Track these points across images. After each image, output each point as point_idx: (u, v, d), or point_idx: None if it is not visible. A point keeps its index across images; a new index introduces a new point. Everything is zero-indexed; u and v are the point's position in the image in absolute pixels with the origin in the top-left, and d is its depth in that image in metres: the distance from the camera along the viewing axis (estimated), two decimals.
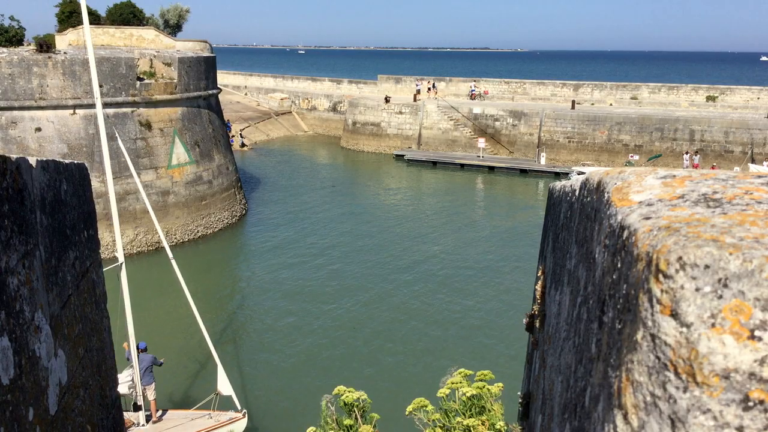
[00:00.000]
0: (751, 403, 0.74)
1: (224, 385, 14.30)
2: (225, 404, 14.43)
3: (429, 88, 53.32)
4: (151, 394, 13.91)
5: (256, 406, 15.47)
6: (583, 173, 1.60)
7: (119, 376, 13.33)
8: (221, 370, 14.41)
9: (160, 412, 14.27)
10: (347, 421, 4.57)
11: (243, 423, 14.11)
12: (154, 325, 19.39)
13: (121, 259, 13.88)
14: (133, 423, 13.61)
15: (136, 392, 13.61)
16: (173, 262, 15.54)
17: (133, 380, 13.64)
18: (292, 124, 62.81)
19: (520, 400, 2.63)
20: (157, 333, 18.58)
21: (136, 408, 13.74)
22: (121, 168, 26.07)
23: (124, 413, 13.19)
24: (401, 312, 20.97)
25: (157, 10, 39.50)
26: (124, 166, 26.25)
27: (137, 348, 13.68)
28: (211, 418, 13.96)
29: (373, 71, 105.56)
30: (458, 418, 4.22)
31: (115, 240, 14.22)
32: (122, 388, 13.49)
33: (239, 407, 14.34)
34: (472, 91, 53.20)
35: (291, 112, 64.60)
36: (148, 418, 13.90)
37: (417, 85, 53.56)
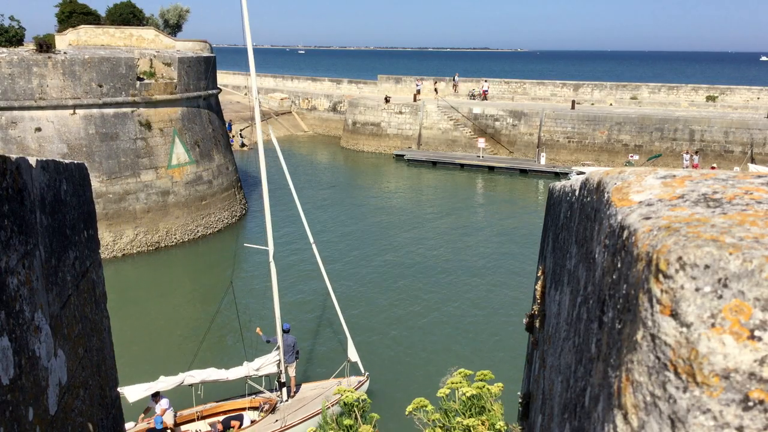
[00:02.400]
0: (751, 403, 0.74)
1: (352, 353, 15.65)
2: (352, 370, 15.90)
3: (435, 89, 53.19)
4: (292, 371, 15.17)
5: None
6: (583, 173, 1.60)
7: (266, 356, 14.32)
8: (350, 340, 15.71)
9: (294, 387, 15.52)
10: (347, 421, 4.57)
11: (366, 385, 15.30)
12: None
13: (270, 248, 15.23)
14: (278, 400, 14.90)
15: (281, 369, 14.86)
16: (314, 246, 16.56)
17: (279, 360, 14.85)
18: (292, 124, 62.82)
19: (520, 400, 2.63)
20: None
21: (281, 385, 15.00)
22: (120, 168, 26.08)
23: (268, 392, 15.10)
24: (400, 312, 20.97)
25: (157, 10, 39.51)
26: (124, 165, 26.28)
27: (282, 329, 14.98)
28: (340, 384, 14.83)
29: (373, 71, 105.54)
30: (458, 418, 4.22)
31: (266, 229, 15.53)
32: (271, 368, 14.89)
33: (363, 371, 15.69)
34: (484, 89, 52.67)
35: (291, 112, 64.61)
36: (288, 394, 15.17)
37: (417, 86, 53.45)
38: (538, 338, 2.25)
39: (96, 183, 24.96)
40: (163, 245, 26.82)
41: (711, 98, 48.42)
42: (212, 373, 14.14)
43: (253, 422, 14.09)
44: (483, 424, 3.96)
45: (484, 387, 4.26)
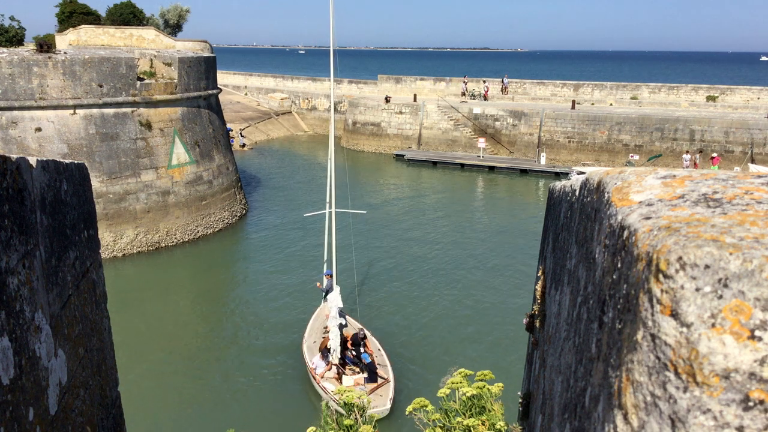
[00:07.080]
0: (751, 403, 0.74)
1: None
2: None
3: (457, 88, 53.72)
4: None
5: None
6: (583, 173, 1.60)
7: (336, 295, 17.64)
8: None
9: None
10: (347, 421, 4.57)
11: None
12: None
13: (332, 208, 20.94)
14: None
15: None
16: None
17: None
18: (292, 124, 62.81)
19: (520, 400, 2.63)
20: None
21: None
22: (121, 168, 26.07)
23: (351, 323, 18.06)
24: (399, 312, 20.97)
25: (157, 10, 39.54)
26: (124, 165, 26.28)
27: (327, 274, 19.05)
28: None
29: (373, 71, 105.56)
30: (458, 418, 4.22)
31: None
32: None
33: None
34: (486, 89, 52.63)
35: (291, 112, 64.60)
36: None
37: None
38: (538, 338, 2.26)
39: (96, 183, 24.95)
40: (164, 245, 26.82)
41: (711, 98, 48.43)
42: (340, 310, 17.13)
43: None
44: (483, 424, 3.96)
45: (484, 387, 4.26)
